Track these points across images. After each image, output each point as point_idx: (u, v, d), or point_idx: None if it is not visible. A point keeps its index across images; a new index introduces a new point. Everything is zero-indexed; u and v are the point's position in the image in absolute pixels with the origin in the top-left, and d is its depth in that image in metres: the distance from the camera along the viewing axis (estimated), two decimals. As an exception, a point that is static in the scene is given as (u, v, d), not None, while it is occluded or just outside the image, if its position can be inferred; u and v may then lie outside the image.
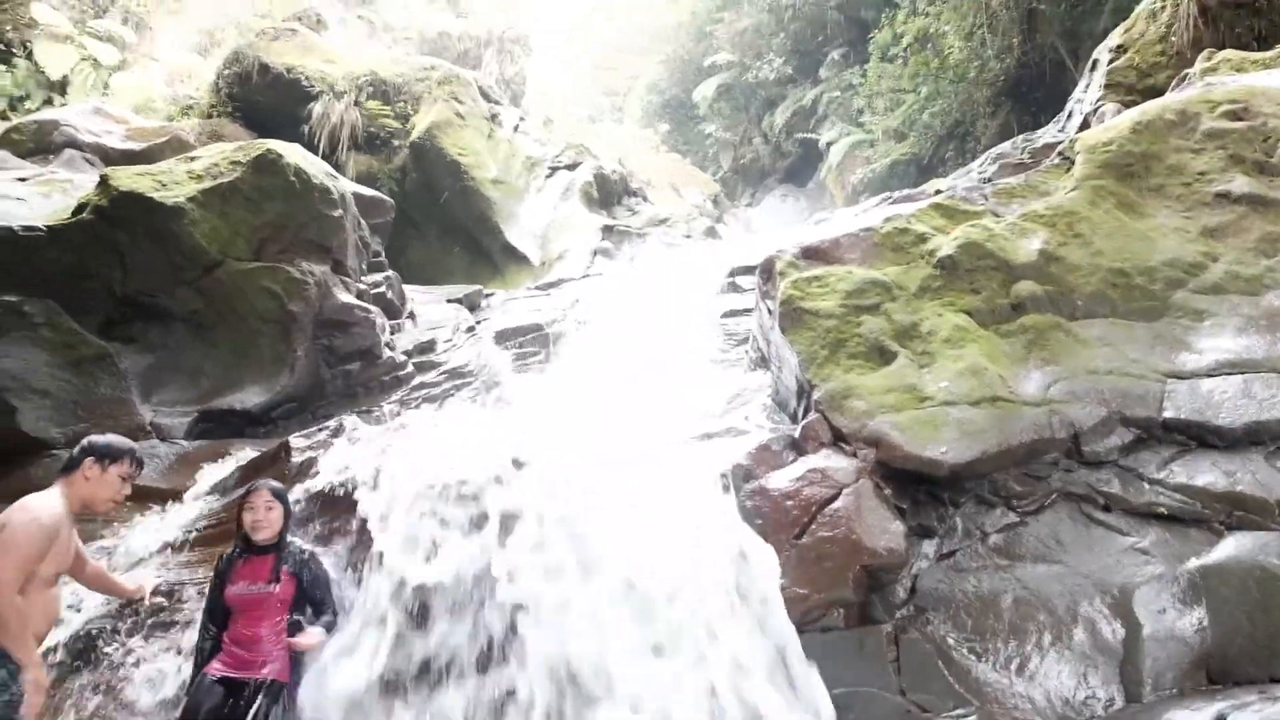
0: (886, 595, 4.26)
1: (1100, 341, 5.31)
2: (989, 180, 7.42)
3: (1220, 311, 5.40)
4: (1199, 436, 4.74)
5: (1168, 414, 4.82)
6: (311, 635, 3.99)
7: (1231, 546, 4.25)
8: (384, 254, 9.27)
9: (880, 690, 3.97)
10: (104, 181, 6.89)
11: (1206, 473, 4.58)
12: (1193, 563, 4.23)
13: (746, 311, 8.21)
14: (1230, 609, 4.05)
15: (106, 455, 3.88)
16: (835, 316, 5.40)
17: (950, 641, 4.13)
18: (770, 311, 5.90)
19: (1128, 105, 8.71)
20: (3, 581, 3.41)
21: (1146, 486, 4.63)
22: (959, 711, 3.83)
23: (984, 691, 3.93)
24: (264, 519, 4.09)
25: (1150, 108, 6.89)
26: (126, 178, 6.95)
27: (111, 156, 10.72)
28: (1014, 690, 3.94)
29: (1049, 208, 6.09)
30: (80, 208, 6.87)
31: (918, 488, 4.60)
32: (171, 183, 7.01)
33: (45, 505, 3.69)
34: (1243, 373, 4.95)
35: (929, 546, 4.48)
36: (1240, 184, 6.09)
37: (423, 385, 7.59)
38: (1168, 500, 4.53)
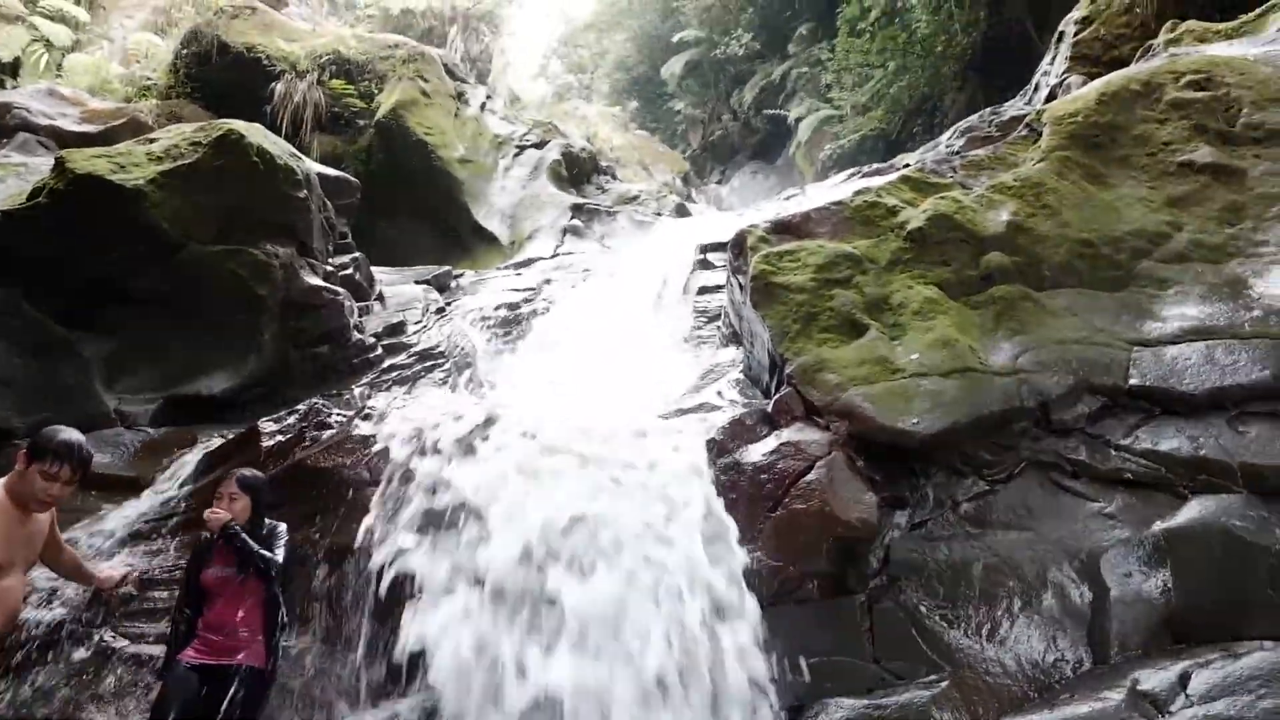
0: (860, 566, 4.30)
1: (1068, 311, 5.37)
2: (957, 153, 7.44)
3: (1184, 280, 5.47)
4: (1164, 403, 4.81)
5: (1133, 381, 4.88)
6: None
7: (1195, 510, 4.32)
8: (350, 236, 9.14)
9: (855, 659, 4.02)
10: (60, 165, 6.72)
11: (1171, 438, 4.65)
12: (1158, 526, 4.30)
13: (718, 288, 8.21)
14: (1194, 571, 4.13)
15: (32, 451, 3.78)
16: (806, 291, 5.41)
17: (923, 609, 4.18)
18: (742, 287, 5.90)
19: (1093, 77, 8.75)
20: None
21: (1113, 453, 4.69)
22: (932, 677, 3.88)
23: (956, 657, 3.99)
24: (227, 508, 4.03)
25: (1115, 79, 6.94)
26: (83, 160, 6.78)
27: (67, 139, 10.47)
28: (985, 655, 4.01)
29: (1017, 179, 6.13)
30: (36, 192, 6.70)
31: (890, 459, 4.64)
32: (130, 165, 6.85)
33: None
34: (1206, 339, 5.02)
35: (901, 517, 4.52)
36: (1204, 153, 6.16)
37: (393, 367, 7.52)
38: (1134, 466, 4.60)
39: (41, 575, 4.27)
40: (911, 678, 3.90)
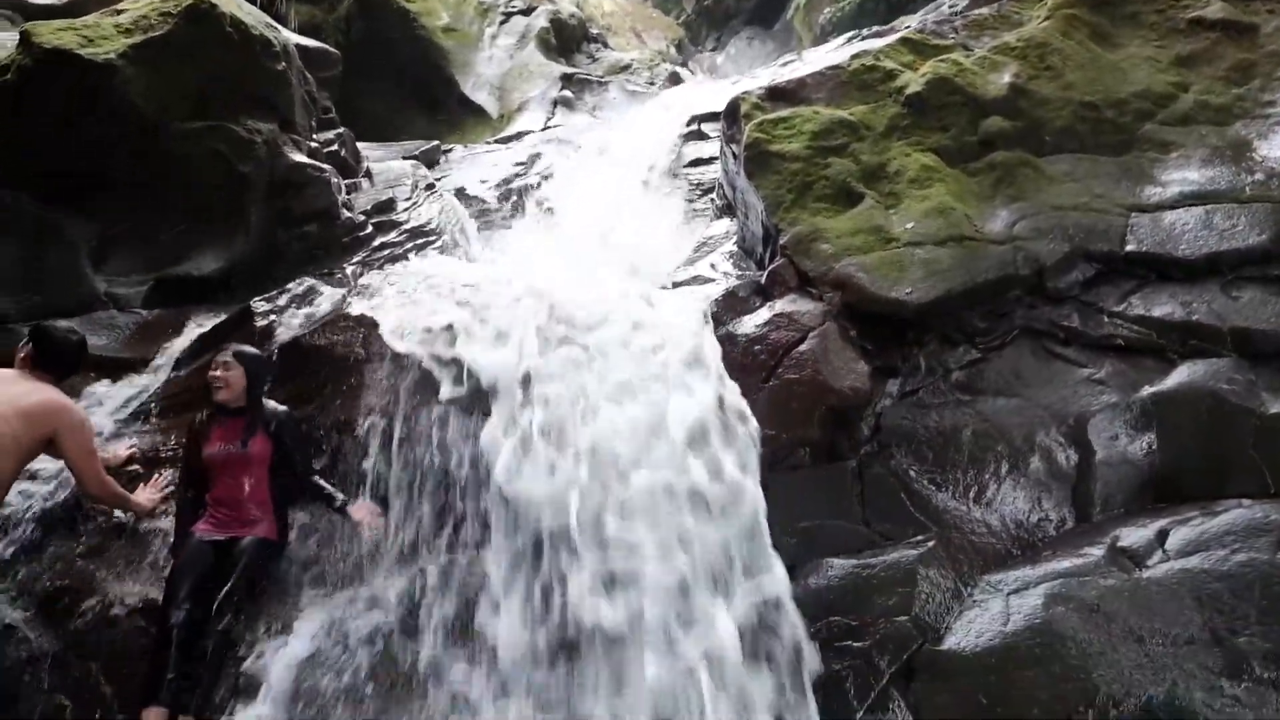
0: (852, 433, 4.37)
1: (1067, 177, 5.28)
2: (959, 13, 7.15)
3: (1187, 143, 5.36)
4: (1159, 268, 4.80)
5: (1129, 247, 4.85)
6: (361, 509, 4.06)
7: (1184, 374, 4.37)
8: (334, 111, 8.86)
9: (845, 522, 4.13)
10: (26, 39, 6.42)
11: (1164, 304, 4.66)
12: (1146, 391, 4.36)
13: (712, 160, 8.05)
14: (1179, 433, 4.21)
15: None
16: (801, 159, 5.31)
17: (912, 474, 4.28)
18: (735, 156, 5.78)
19: (1105, -72, 8.30)
20: None
21: (1105, 319, 4.71)
22: (920, 538, 4.00)
23: (943, 518, 4.11)
24: (221, 378, 4.07)
25: (1127, -71, 6.59)
26: (50, 33, 6.47)
27: (30, 10, 9.95)
28: (971, 516, 4.13)
29: (1020, 39, 5.92)
30: (3, 69, 6.44)
31: (883, 328, 4.66)
32: (99, 38, 6.55)
33: None
34: (1205, 204, 4.97)
35: (893, 385, 4.58)
36: (1215, 9, 5.94)
37: (384, 245, 7.40)
38: (1125, 332, 4.63)
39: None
40: (900, 538, 4.02)
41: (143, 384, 5.03)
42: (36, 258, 6.00)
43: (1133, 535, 3.78)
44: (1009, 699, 3.31)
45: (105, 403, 4.97)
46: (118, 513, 4.29)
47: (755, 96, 5.81)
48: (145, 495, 4.27)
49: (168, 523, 4.21)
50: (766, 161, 5.35)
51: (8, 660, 3.87)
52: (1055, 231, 4.90)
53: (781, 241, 5.03)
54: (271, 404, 4.23)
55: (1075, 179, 5.26)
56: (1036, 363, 4.65)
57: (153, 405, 4.86)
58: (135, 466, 4.49)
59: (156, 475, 4.42)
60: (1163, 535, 3.74)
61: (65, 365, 4.03)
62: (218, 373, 4.08)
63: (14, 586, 4.06)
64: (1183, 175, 5.17)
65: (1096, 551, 3.75)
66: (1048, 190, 5.17)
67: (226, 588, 3.79)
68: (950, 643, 3.57)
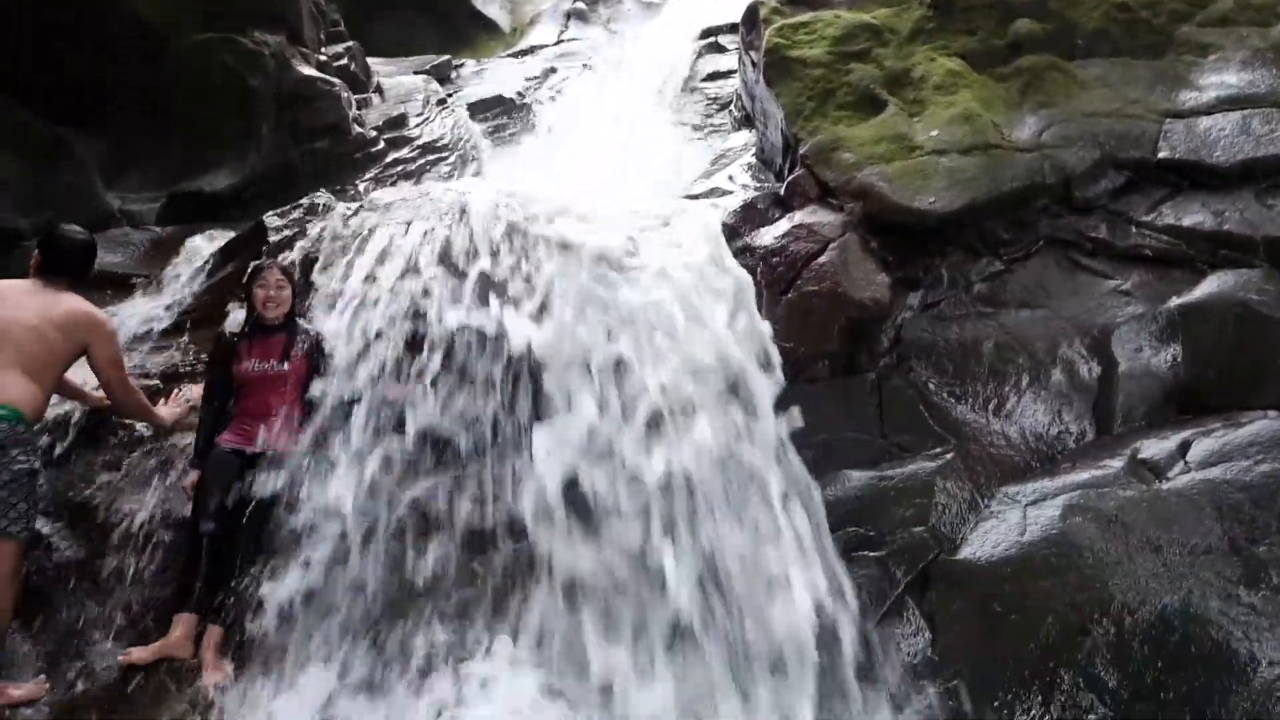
0: (870, 345, 4.33)
1: (1099, 82, 5.10)
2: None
3: (1226, 45, 5.15)
4: (1192, 176, 4.66)
5: (1162, 154, 4.70)
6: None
7: (1213, 284, 4.27)
8: (343, 25, 8.67)
9: (863, 434, 4.12)
10: (29, -51, 6.27)
11: (1195, 213, 4.53)
12: (1173, 302, 4.27)
13: (729, 73, 7.85)
14: (1206, 345, 4.13)
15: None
16: (823, 65, 5.14)
17: (931, 386, 4.24)
18: (754, 64, 5.61)
19: None
20: None
21: (1134, 229, 4.59)
22: (938, 450, 3.98)
23: (962, 430, 4.08)
24: (276, 296, 4.05)
25: None
26: (53, -57, 6.32)
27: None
28: (990, 428, 4.09)
29: (1053, -65, 5.63)
30: (4, -21, 6.29)
31: (905, 240, 4.56)
32: (103, -53, 6.38)
33: None
34: (1243, 109, 4.79)
35: (913, 297, 4.50)
36: (1261, -99, 5.61)
37: (397, 161, 7.33)
38: (1154, 242, 4.51)
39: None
40: (918, 450, 4.00)
41: (159, 300, 5.02)
42: (49, 175, 5.97)
43: (1154, 447, 3.75)
44: (1024, 607, 3.33)
45: (123, 320, 4.98)
46: (139, 426, 4.34)
47: (775, 0, 5.60)
48: (167, 410, 4.30)
49: (186, 438, 4.24)
50: (786, 68, 5.18)
51: (40, 569, 3.96)
52: (1085, 139, 4.75)
53: (801, 151, 4.91)
54: (301, 322, 4.21)
55: (1107, 84, 5.07)
56: (1061, 274, 4.55)
57: (169, 322, 4.86)
58: (155, 382, 4.51)
59: (176, 390, 4.45)
60: (1185, 447, 3.70)
61: (75, 267, 3.94)
62: (270, 291, 4.05)
63: (43, 498, 4.13)
64: (1220, 79, 4.97)
65: (1116, 463, 3.72)
66: (1078, 96, 4.99)
67: (253, 501, 3.85)
68: (966, 553, 3.58)
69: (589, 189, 5.13)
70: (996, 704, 3.17)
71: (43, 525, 4.04)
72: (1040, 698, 3.14)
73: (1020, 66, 5.14)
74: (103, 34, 6.29)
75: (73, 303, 3.82)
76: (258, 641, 3.67)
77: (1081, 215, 4.68)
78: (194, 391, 4.37)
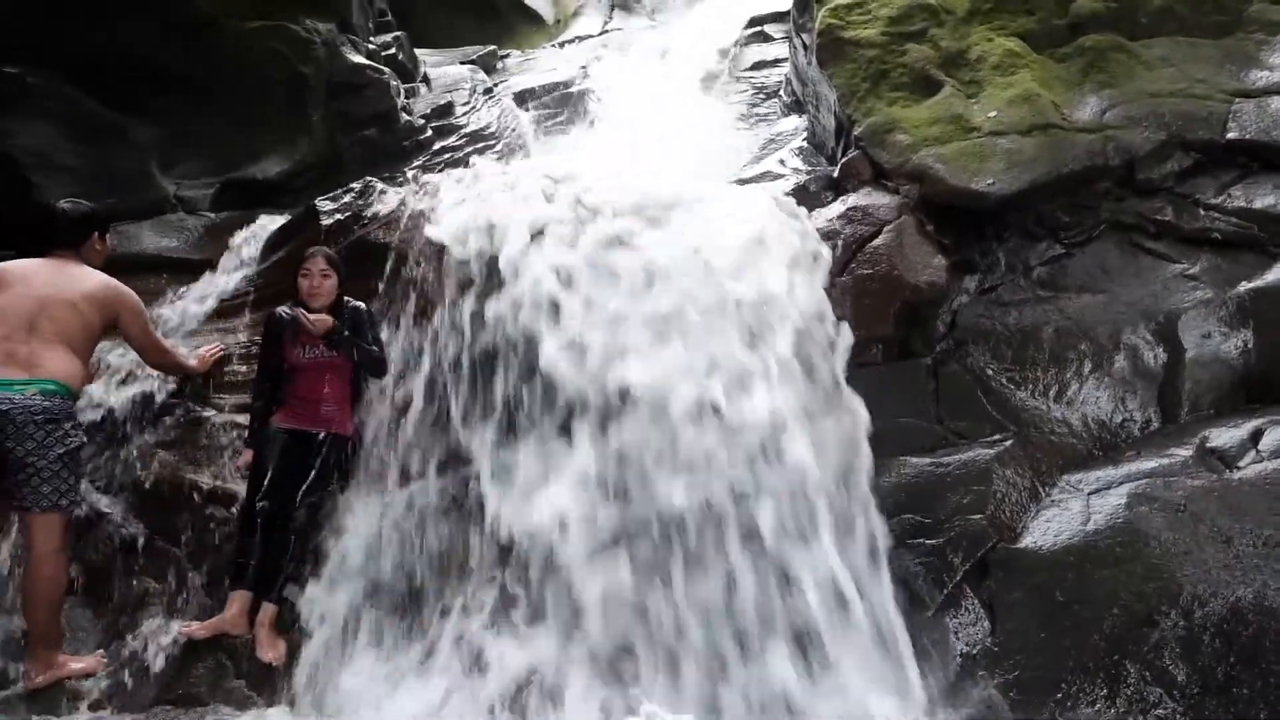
0: (926, 330, 4.24)
1: (1164, 62, 4.94)
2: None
3: (1299, 22, 4.96)
4: (1263, 157, 4.49)
5: (1231, 135, 4.54)
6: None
7: (1286, 268, 4.12)
8: (389, 14, 8.71)
9: (919, 420, 4.04)
10: (84, -62, 6.37)
11: (1268, 195, 4.38)
12: (1243, 286, 4.13)
13: (776, 62, 7.78)
14: (1278, 331, 3.98)
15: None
16: (877, 46, 5.05)
17: (989, 372, 4.15)
18: (806, 46, 5.53)
19: None
20: None
21: (1201, 212, 4.45)
22: (996, 436, 3.89)
23: (1021, 417, 3.98)
24: (319, 286, 4.08)
25: None
26: (107, -68, 6.41)
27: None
28: (1051, 415, 3.99)
29: (1116, -88, 5.47)
30: (64, -32, 6.40)
31: (961, 222, 4.47)
32: (151, -66, 6.46)
33: None
34: (1317, 88, 4.61)
35: (970, 281, 4.41)
36: (1338, -128, 5.40)
37: (444, 150, 7.33)
38: (1223, 225, 4.36)
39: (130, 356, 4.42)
40: (975, 437, 3.92)
41: (215, 284, 5.07)
42: (104, 159, 6.06)
43: (1223, 435, 3.62)
44: (1087, 597, 3.24)
45: (180, 304, 5.05)
46: (194, 407, 4.41)
47: (827, -18, 5.52)
48: (198, 359, 4.46)
49: (241, 417, 4.30)
50: (840, 49, 5.10)
51: (100, 545, 4.04)
52: (1149, 119, 4.60)
53: (856, 133, 4.83)
54: (350, 301, 4.24)
55: (1172, 63, 4.92)
56: (1124, 258, 4.42)
57: (226, 305, 4.92)
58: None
59: (210, 346, 4.55)
60: (1257, 435, 3.57)
61: (74, 234, 3.97)
62: (315, 281, 4.08)
63: (104, 477, 4.22)
64: (1293, 58, 4.80)
65: (1184, 452, 3.60)
66: (1142, 76, 4.85)
67: (307, 482, 3.89)
68: (1027, 541, 3.49)
69: (644, 175, 5.06)
70: (1060, 695, 3.09)
71: (102, 503, 4.13)
72: (1105, 690, 3.05)
73: (1081, 46, 5.00)
74: (160, 19, 6.36)
75: (99, 277, 3.92)
76: (312, 620, 3.71)
77: (1145, 198, 4.54)
78: (215, 350, 4.56)
